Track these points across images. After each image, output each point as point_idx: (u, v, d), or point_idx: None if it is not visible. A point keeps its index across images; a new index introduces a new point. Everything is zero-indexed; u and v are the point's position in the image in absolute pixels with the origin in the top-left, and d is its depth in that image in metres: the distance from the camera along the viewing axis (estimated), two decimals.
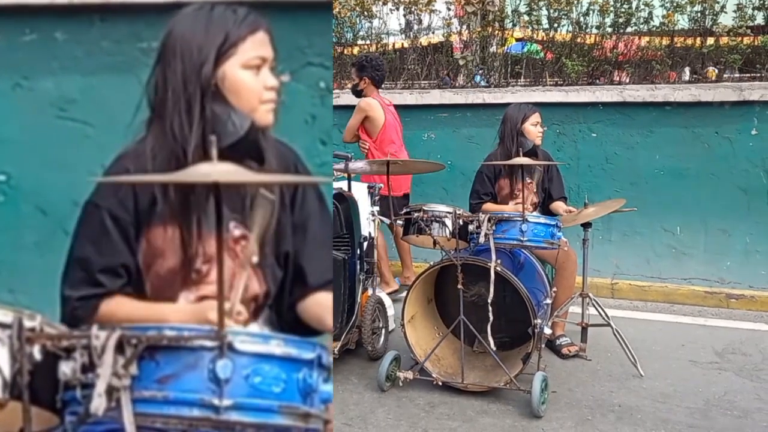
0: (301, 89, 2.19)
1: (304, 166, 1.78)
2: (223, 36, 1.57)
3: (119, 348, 1.18)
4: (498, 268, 3.00)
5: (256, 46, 1.59)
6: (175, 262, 1.59)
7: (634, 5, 5.39)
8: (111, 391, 1.16)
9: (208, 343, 1.19)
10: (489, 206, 3.75)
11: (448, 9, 6.05)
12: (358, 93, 4.70)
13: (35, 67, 2.26)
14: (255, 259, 1.65)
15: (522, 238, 3.06)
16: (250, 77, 1.59)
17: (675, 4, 5.29)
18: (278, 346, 1.24)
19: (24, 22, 2.25)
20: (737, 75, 5.24)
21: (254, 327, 1.65)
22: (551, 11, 5.60)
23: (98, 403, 1.16)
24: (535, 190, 3.83)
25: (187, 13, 1.60)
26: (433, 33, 6.21)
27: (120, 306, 1.59)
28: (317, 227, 1.74)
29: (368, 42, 6.29)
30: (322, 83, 2.19)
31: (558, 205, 3.79)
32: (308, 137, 2.15)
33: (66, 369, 1.21)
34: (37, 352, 1.22)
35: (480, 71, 5.91)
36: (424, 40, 6.20)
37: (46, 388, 1.24)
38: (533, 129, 3.75)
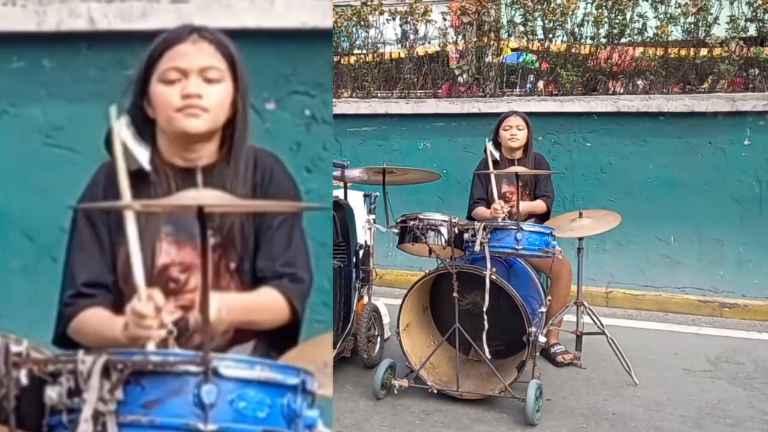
0: (286, 117, 2.21)
1: (281, 172, 1.76)
2: (148, 54, 1.60)
3: (105, 373, 1.19)
4: (493, 277, 3.01)
5: (173, 57, 1.58)
6: (148, 272, 1.59)
7: (628, 16, 5.45)
8: (97, 416, 1.17)
9: (193, 368, 1.21)
10: (477, 210, 3.82)
11: (444, 19, 6.10)
12: None
13: (22, 94, 2.28)
14: (233, 265, 1.65)
15: (517, 247, 3.07)
16: (165, 90, 1.59)
17: (668, 16, 5.36)
18: (262, 371, 1.25)
19: (11, 50, 2.27)
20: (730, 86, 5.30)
21: (244, 350, 1.65)
22: (546, 22, 5.65)
23: (84, 428, 1.16)
24: (527, 192, 3.84)
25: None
26: (429, 43, 6.26)
27: (90, 317, 1.60)
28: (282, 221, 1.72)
29: (365, 51, 6.33)
30: (307, 111, 2.21)
31: (533, 204, 3.79)
32: (293, 165, 2.18)
33: (52, 394, 1.21)
34: (23, 377, 1.23)
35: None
36: (420, 50, 6.24)
37: (33, 412, 1.24)
38: (504, 133, 3.78)
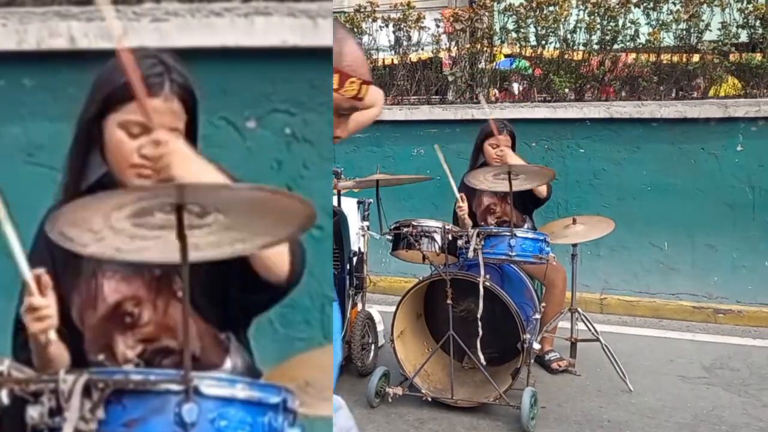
0: (266, 135, 2.22)
1: None
2: (114, 89, 1.54)
3: (86, 392, 1.17)
4: (487, 283, 3.00)
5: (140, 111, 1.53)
6: (103, 309, 1.58)
7: (620, 23, 5.47)
8: None
9: (174, 387, 1.19)
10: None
11: (437, 26, 6.12)
12: None
13: (3, 112, 2.27)
14: (180, 294, 1.61)
15: (511, 253, 3.07)
16: (123, 138, 1.54)
17: (660, 22, 5.38)
18: (243, 390, 1.24)
19: None
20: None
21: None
22: (539, 28, 5.67)
23: None
24: (508, 200, 3.78)
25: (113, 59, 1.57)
26: (422, 49, 6.27)
27: None
28: None
29: None
30: (288, 129, 2.22)
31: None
32: (274, 183, 2.18)
33: (33, 413, 1.19)
34: (4, 396, 1.21)
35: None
36: (413, 56, 6.25)
37: None
38: (490, 150, 3.69)
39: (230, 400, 1.22)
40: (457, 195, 3.51)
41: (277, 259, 1.56)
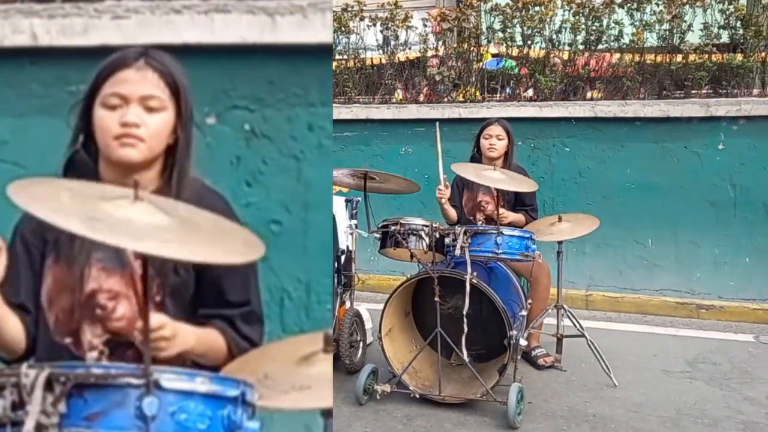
0: (226, 131, 2.24)
1: (227, 215, 1.68)
2: (95, 76, 1.61)
3: (48, 386, 1.19)
4: (474, 281, 3.04)
5: (116, 83, 1.59)
6: (77, 296, 1.61)
7: (604, 23, 5.53)
8: (40, 429, 1.16)
9: (135, 381, 1.21)
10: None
11: (425, 25, 6.15)
12: None
13: None
14: (158, 298, 1.65)
15: (497, 251, 3.10)
16: (105, 115, 1.59)
17: (644, 23, 5.45)
18: (203, 383, 1.26)
19: None
20: (704, 91, 5.41)
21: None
22: (525, 29, 5.72)
23: None
24: (501, 203, 3.82)
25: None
26: (409, 49, 6.30)
27: None
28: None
29: (346, 57, 6.36)
30: (246, 126, 2.24)
31: (514, 217, 3.77)
32: (233, 179, 2.21)
33: None
34: None
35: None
36: (401, 56, 6.28)
37: None
38: (484, 142, 3.79)
39: (190, 394, 1.24)
40: (441, 179, 3.64)
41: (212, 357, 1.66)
